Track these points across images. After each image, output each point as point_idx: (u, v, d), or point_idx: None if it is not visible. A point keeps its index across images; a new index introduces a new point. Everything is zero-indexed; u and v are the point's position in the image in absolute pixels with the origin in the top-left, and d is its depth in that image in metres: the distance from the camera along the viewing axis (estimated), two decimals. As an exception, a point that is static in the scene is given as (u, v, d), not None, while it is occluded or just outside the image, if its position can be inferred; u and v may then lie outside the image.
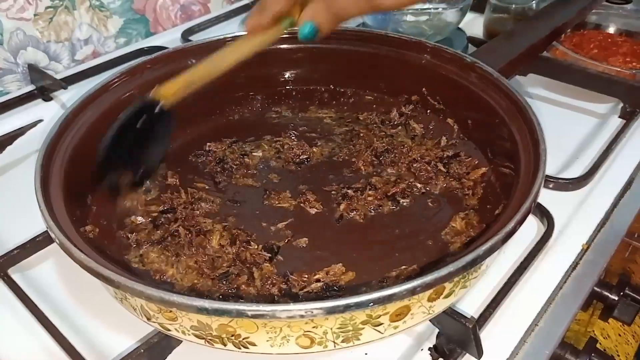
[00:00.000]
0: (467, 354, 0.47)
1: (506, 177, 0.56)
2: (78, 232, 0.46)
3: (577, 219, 0.61)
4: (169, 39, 0.98)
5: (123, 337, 0.50)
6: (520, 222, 0.43)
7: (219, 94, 0.71)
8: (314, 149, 0.67)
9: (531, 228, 0.60)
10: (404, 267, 0.52)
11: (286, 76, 0.75)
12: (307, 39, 0.49)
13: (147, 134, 0.51)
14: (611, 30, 0.95)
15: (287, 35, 0.70)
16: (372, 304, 0.37)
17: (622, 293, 0.64)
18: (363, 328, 0.40)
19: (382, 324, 0.41)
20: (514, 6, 0.94)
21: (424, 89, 0.69)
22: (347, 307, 0.36)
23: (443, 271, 0.38)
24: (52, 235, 0.43)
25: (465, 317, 0.46)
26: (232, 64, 0.52)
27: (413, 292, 0.37)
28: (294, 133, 0.70)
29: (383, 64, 0.70)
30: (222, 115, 0.73)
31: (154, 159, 0.55)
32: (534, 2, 0.94)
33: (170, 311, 0.40)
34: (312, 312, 0.36)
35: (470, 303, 0.52)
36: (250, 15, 0.51)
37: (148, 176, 0.56)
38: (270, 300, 0.49)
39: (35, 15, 0.86)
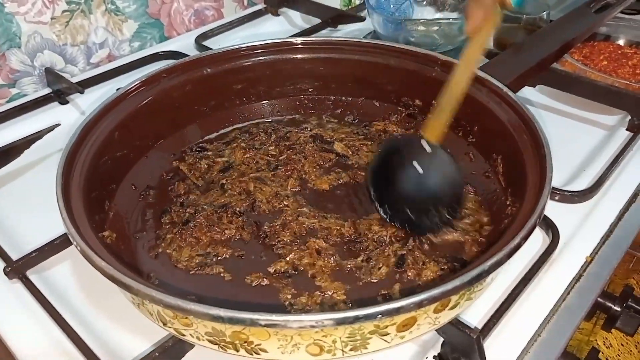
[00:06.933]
0: (471, 364, 0.49)
1: (512, 190, 0.58)
2: (97, 238, 0.47)
3: (582, 232, 0.62)
4: (183, 43, 0.99)
5: (138, 340, 0.51)
6: (526, 238, 0.44)
7: (231, 101, 0.73)
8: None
9: (536, 240, 0.61)
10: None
11: (298, 86, 0.75)
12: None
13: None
14: (621, 42, 0.95)
15: (300, 46, 0.72)
16: (380, 315, 0.38)
17: (625, 304, 0.64)
18: (371, 337, 0.42)
19: (389, 334, 0.42)
20: (525, 16, 0.94)
21: (434, 101, 0.69)
22: (356, 319, 0.38)
23: (449, 285, 0.40)
24: (74, 243, 0.44)
25: (470, 327, 0.48)
26: (469, 78, 0.56)
27: (420, 304, 0.39)
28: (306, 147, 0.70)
29: (394, 75, 0.71)
30: (233, 122, 0.74)
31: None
32: (545, 12, 0.95)
33: (186, 318, 0.41)
34: (322, 323, 0.38)
35: (475, 313, 0.53)
36: (469, 13, 0.54)
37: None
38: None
39: (52, 18, 0.88)
